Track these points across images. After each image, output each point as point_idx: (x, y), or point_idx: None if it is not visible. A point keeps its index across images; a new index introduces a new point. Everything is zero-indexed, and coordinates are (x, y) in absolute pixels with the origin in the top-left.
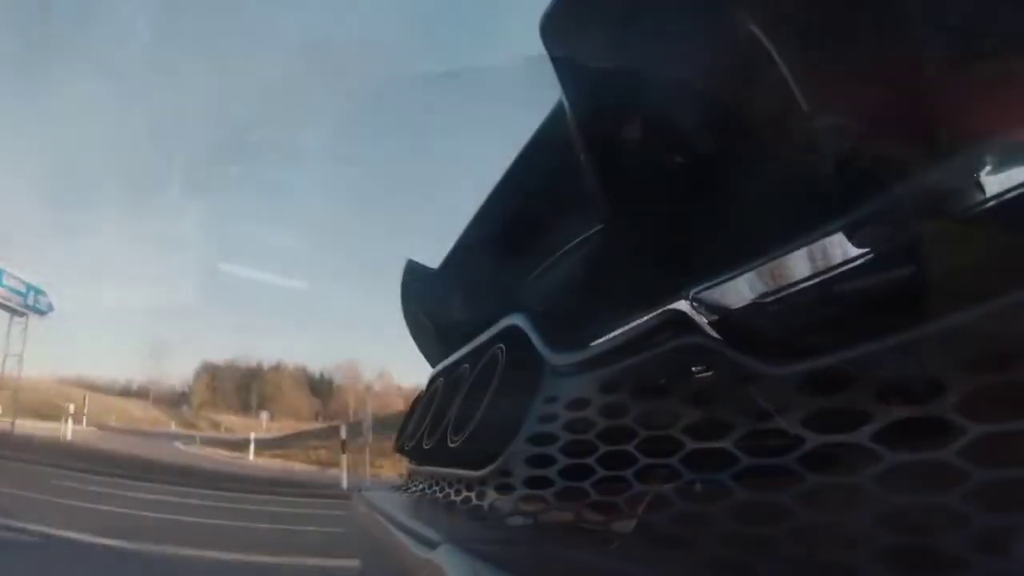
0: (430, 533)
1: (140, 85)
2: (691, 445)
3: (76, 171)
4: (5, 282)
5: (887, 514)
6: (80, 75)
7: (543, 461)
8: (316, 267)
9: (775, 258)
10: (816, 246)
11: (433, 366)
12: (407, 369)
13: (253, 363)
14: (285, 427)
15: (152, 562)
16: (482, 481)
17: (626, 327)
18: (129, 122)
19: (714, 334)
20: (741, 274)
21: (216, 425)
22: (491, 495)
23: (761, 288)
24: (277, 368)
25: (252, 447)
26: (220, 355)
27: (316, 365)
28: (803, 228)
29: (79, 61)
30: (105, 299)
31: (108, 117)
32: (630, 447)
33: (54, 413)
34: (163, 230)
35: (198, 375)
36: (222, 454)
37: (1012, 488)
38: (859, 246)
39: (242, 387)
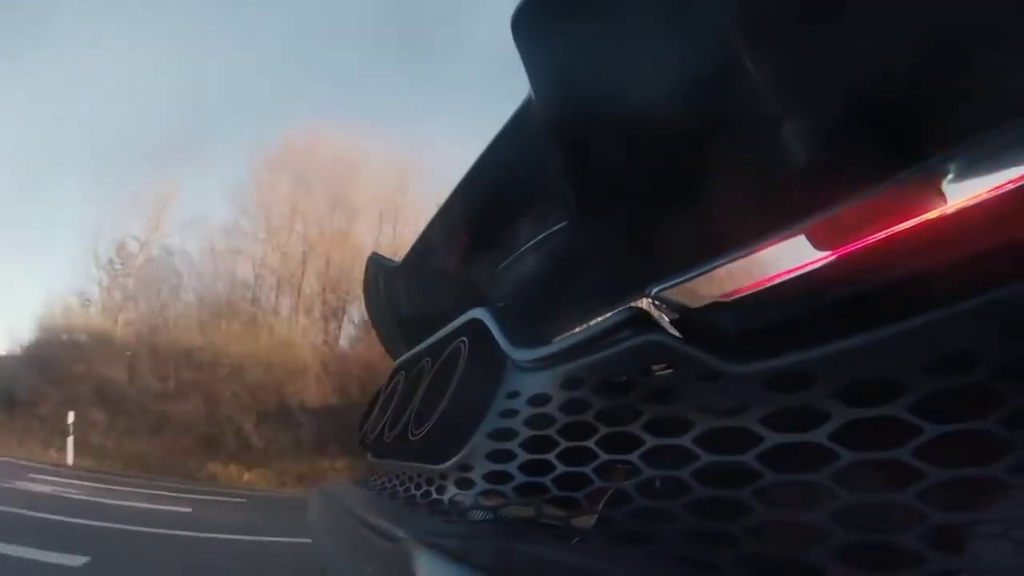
0: (390, 528)
1: None
2: (651, 442)
3: None
4: None
5: (844, 511)
6: None
7: (504, 456)
8: None
9: (737, 257)
10: (779, 246)
11: (395, 359)
12: None
13: None
14: None
15: None
16: (443, 475)
17: (589, 323)
18: None
19: (675, 332)
20: (703, 273)
21: None
22: (452, 490)
23: (723, 287)
24: None
25: None
26: None
27: None
28: (767, 228)
29: None
30: None
31: None
32: (591, 443)
33: None
34: None
35: None
36: None
37: (966, 487)
38: (820, 248)
39: None
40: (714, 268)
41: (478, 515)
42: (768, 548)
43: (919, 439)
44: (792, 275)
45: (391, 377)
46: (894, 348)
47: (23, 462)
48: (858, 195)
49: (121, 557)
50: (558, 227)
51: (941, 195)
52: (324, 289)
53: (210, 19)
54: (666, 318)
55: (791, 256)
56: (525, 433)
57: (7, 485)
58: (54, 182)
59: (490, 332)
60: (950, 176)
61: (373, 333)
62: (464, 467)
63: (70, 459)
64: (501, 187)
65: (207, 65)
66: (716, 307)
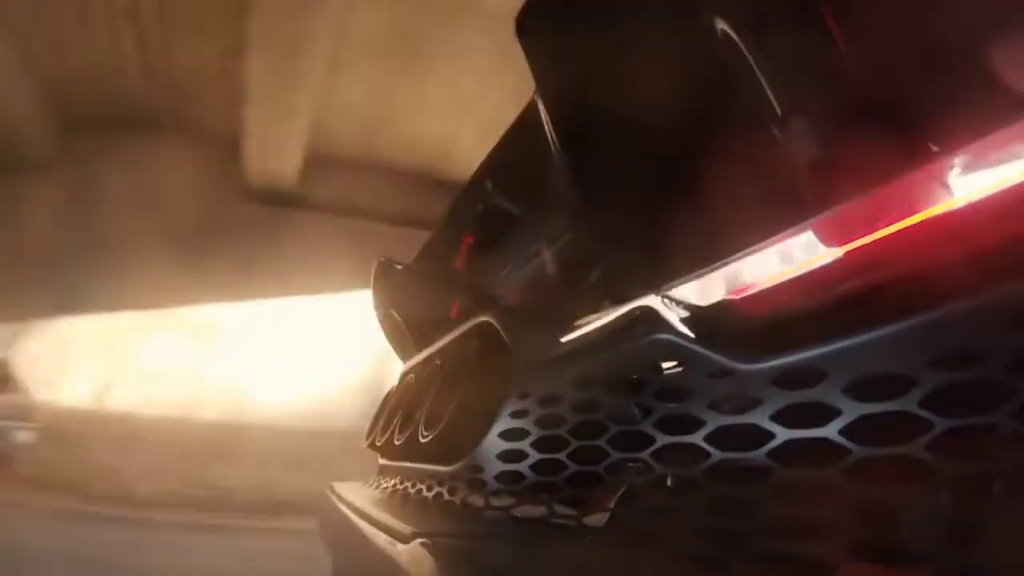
0: (402, 527)
1: None
2: (662, 440)
3: None
4: None
5: (855, 507)
6: None
7: (515, 456)
8: None
9: (745, 255)
10: (785, 244)
11: (405, 362)
12: None
13: None
14: None
15: None
16: (454, 476)
17: (598, 323)
18: None
19: (685, 330)
20: (712, 271)
21: None
22: (463, 490)
23: (731, 285)
24: None
25: None
26: None
27: None
28: (773, 225)
29: None
30: None
31: None
32: (602, 442)
33: None
34: None
35: None
36: None
37: (976, 482)
38: (829, 244)
39: None
40: (723, 266)
41: (490, 515)
42: (780, 545)
43: (930, 434)
44: (801, 271)
45: (400, 380)
46: (904, 343)
47: None
48: (866, 190)
49: None
50: (566, 227)
51: (949, 190)
52: None
53: None
54: (676, 316)
55: (800, 252)
56: (536, 433)
57: None
58: None
59: (499, 333)
60: (957, 171)
61: None
62: (476, 468)
63: None
64: (508, 188)
65: None
66: (726, 305)
